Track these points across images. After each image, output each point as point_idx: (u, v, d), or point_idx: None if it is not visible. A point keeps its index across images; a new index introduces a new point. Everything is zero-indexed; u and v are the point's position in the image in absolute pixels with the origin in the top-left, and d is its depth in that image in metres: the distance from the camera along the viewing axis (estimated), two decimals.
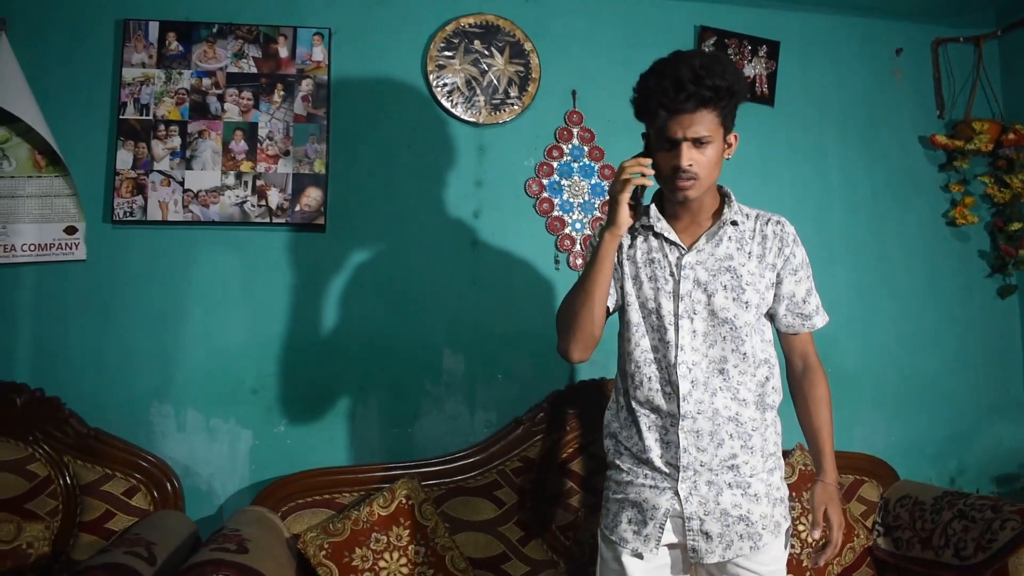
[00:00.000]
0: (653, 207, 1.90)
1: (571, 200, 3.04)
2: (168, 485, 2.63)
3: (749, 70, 3.18)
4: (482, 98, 3.00)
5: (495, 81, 3.01)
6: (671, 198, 1.83)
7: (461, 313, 2.95)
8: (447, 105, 2.98)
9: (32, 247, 2.71)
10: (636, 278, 1.88)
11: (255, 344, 2.82)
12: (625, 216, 1.78)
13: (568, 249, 3.02)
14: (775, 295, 1.89)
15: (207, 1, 2.89)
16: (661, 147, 1.77)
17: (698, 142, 1.74)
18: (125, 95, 2.80)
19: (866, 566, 2.84)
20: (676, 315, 1.82)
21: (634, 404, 1.88)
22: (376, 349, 2.87)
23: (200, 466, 2.76)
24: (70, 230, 2.74)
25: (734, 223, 1.86)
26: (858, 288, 3.25)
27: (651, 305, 1.85)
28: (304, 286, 2.86)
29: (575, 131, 3.07)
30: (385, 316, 2.89)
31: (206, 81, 2.85)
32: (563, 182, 3.04)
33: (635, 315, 1.88)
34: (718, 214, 1.87)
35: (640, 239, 1.90)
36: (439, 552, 2.50)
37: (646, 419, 1.85)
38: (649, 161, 1.77)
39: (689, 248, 1.84)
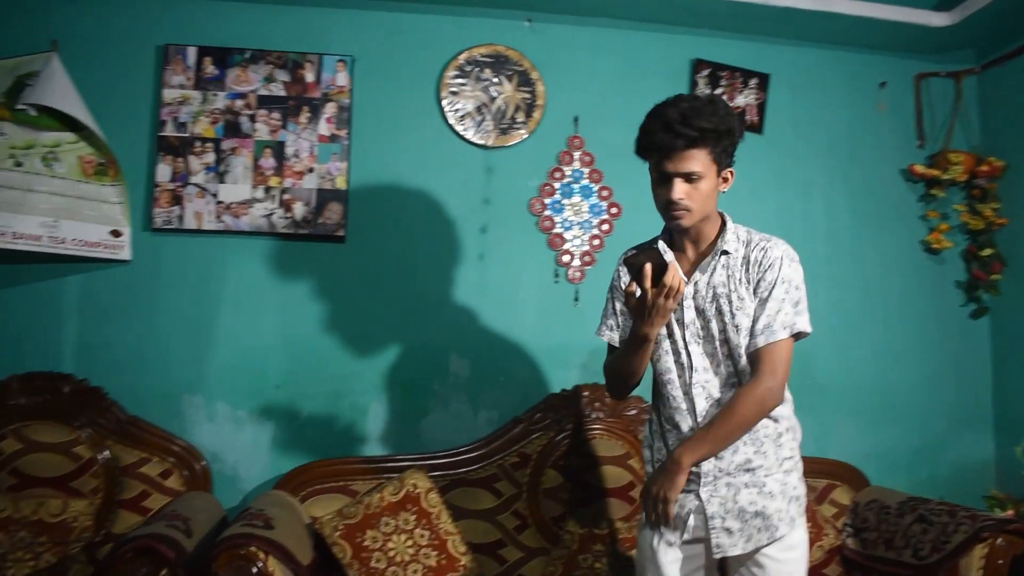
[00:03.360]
0: (662, 242, 2.08)
1: (571, 218, 3.30)
2: (199, 469, 2.91)
3: (740, 100, 3.43)
4: (491, 123, 3.26)
5: (503, 107, 3.28)
6: (669, 227, 2.03)
7: (467, 320, 3.21)
8: (459, 129, 3.24)
9: (80, 242, 2.95)
10: None
11: (279, 343, 3.09)
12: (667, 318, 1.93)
13: (567, 264, 3.28)
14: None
15: (241, 29, 3.17)
16: (658, 182, 1.97)
17: (689, 177, 1.90)
18: (165, 114, 3.08)
19: (835, 564, 3.06)
20: (685, 340, 2.02)
21: (663, 420, 2.07)
22: (389, 351, 3.14)
23: (227, 453, 3.03)
24: (115, 233, 3.01)
25: (725, 252, 1.99)
26: (839, 308, 3.47)
27: (665, 331, 2.04)
28: (325, 292, 3.13)
29: (576, 155, 3.32)
30: (398, 321, 3.16)
31: (239, 102, 3.12)
32: (564, 202, 3.30)
33: (656, 344, 2.07)
34: (715, 243, 2.02)
35: None
36: (442, 536, 2.76)
37: (671, 434, 2.04)
38: (682, 282, 1.85)
39: (688, 280, 2.01)
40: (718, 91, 3.40)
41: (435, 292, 3.20)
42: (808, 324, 1.96)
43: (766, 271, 1.96)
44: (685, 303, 2.00)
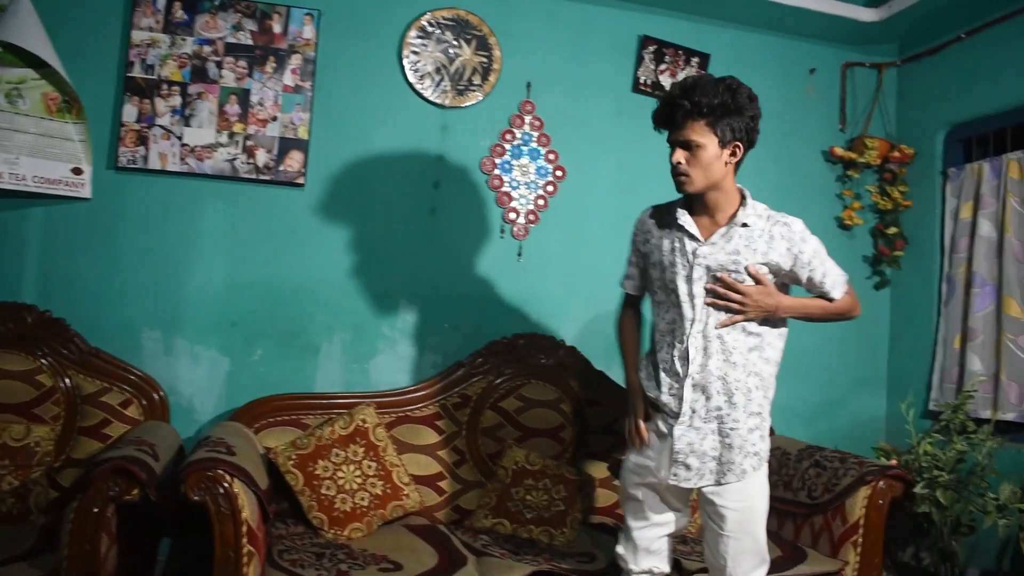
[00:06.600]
0: (681, 209, 2.26)
1: (519, 178, 3.51)
2: (157, 400, 3.04)
3: (681, 77, 3.66)
4: (448, 83, 3.43)
5: (461, 69, 3.44)
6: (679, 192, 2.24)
7: (417, 269, 3.41)
8: (418, 87, 3.40)
9: (41, 180, 3.02)
10: (660, 263, 2.30)
11: (237, 283, 3.24)
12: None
13: (512, 221, 3.50)
14: (805, 285, 2.29)
15: None
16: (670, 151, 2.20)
17: (687, 146, 2.14)
18: (133, 55, 3.15)
19: None
20: (691, 295, 2.23)
21: (659, 362, 2.31)
22: (342, 295, 3.33)
23: (183, 386, 3.18)
24: (76, 171, 3.08)
25: (744, 224, 2.20)
26: None
27: (671, 286, 2.26)
28: (283, 236, 3.28)
29: (527, 119, 3.53)
30: (352, 267, 3.34)
31: (207, 48, 3.21)
32: (513, 162, 3.51)
33: (659, 295, 2.32)
34: (735, 215, 2.22)
35: (667, 232, 2.30)
36: (388, 468, 2.99)
37: (666, 375, 2.28)
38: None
39: (705, 241, 2.22)
40: (662, 67, 3.64)
41: (388, 241, 3.38)
42: None
43: (801, 244, 2.23)
44: (696, 261, 2.21)
